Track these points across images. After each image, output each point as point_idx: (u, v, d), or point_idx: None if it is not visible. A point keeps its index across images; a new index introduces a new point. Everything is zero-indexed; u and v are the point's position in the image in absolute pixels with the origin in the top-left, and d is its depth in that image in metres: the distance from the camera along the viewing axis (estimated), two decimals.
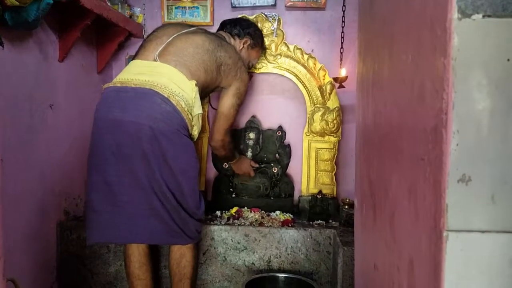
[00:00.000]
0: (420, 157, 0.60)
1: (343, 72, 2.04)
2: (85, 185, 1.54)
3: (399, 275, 0.72)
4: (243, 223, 1.91)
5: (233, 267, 1.86)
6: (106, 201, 1.47)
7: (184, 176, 1.49)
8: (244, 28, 1.90)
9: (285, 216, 2.00)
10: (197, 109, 1.55)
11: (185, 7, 2.25)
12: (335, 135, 2.15)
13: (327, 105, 2.15)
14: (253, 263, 1.85)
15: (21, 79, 1.60)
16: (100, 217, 1.48)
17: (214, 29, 2.05)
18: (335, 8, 2.19)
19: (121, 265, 1.86)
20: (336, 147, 2.16)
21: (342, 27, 2.06)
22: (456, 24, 0.50)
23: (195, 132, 1.58)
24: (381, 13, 0.90)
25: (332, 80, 2.09)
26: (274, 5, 2.21)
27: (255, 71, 2.22)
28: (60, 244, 1.88)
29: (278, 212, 2.05)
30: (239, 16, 2.18)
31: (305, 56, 2.17)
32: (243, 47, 1.90)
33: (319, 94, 2.16)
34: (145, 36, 2.08)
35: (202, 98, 1.61)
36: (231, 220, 1.96)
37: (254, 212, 2.03)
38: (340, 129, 2.16)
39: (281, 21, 2.21)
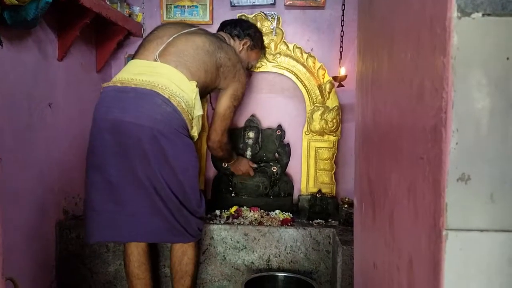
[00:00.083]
0: (420, 156, 0.60)
1: (342, 71, 2.04)
2: (84, 184, 1.54)
3: (398, 274, 0.72)
4: (242, 222, 1.91)
5: (232, 266, 1.86)
6: (107, 201, 1.47)
7: (185, 175, 1.49)
8: (244, 29, 1.90)
9: (285, 215, 2.00)
10: (198, 111, 1.56)
11: (184, 6, 2.24)
12: (334, 134, 2.15)
13: (326, 104, 2.15)
14: (252, 262, 1.85)
15: (20, 78, 1.59)
16: (100, 216, 1.48)
17: (213, 28, 2.05)
18: (334, 7, 2.19)
19: (120, 265, 1.86)
20: (336, 146, 2.16)
21: (342, 26, 2.06)
22: (455, 23, 0.50)
23: (195, 133, 1.59)
24: (380, 12, 0.90)
25: (332, 79, 2.09)
26: (273, 4, 2.21)
27: (255, 70, 2.22)
28: (60, 243, 1.88)
29: (277, 211, 2.05)
30: (238, 15, 2.18)
31: (305, 55, 2.16)
32: (242, 48, 1.90)
33: (318, 93, 2.16)
34: (144, 35, 2.08)
35: (200, 98, 1.61)
36: (231, 219, 1.96)
37: (254, 211, 2.03)
38: (340, 128, 2.16)
39: (281, 20, 2.21)
